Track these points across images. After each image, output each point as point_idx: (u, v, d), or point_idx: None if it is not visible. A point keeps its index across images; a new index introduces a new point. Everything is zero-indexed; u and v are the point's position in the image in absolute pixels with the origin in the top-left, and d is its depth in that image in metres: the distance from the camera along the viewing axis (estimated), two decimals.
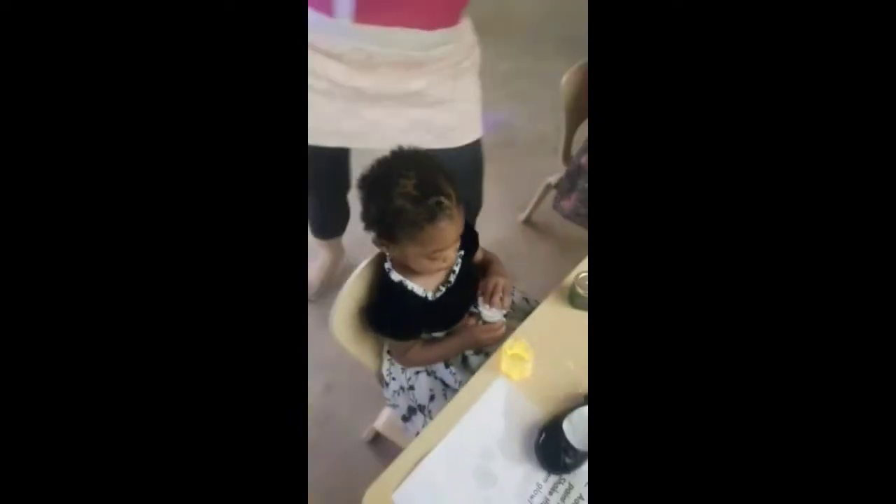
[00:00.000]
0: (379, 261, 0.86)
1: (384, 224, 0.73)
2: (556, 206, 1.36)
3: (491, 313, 0.83)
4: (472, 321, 0.88)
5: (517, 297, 0.99)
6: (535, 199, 1.61)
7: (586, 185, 1.25)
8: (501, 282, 0.84)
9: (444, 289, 0.84)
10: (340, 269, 1.47)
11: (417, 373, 0.91)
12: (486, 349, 0.89)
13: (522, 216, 1.67)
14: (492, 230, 1.63)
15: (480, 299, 0.85)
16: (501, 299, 0.83)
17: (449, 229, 0.72)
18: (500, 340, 0.83)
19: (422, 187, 0.70)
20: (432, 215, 0.70)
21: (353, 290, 0.84)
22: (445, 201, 0.71)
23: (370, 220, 0.75)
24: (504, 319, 0.85)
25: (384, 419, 1.03)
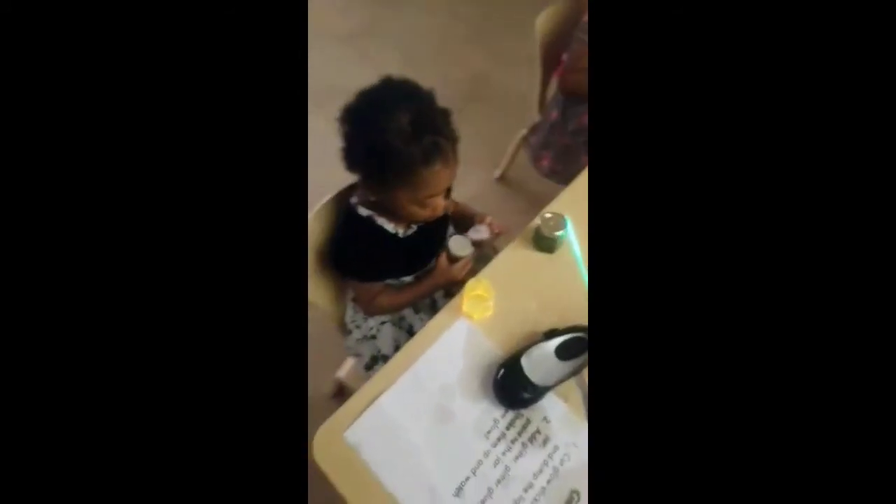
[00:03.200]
0: (341, 198, 0.80)
1: (372, 165, 0.65)
2: (535, 167, 1.33)
3: (458, 245, 0.81)
4: (443, 260, 0.84)
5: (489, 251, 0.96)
6: (508, 154, 1.57)
7: (558, 138, 1.22)
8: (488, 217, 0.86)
9: (415, 227, 0.79)
10: None
11: (382, 322, 0.88)
12: (454, 290, 0.86)
13: (497, 172, 1.63)
14: (465, 187, 1.59)
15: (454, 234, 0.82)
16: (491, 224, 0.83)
17: (443, 174, 0.66)
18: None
19: (417, 124, 0.62)
20: (428, 157, 0.63)
21: (310, 232, 0.80)
22: (442, 142, 0.63)
23: (355, 160, 0.66)
24: (472, 252, 0.82)
25: (347, 369, 1.01)
